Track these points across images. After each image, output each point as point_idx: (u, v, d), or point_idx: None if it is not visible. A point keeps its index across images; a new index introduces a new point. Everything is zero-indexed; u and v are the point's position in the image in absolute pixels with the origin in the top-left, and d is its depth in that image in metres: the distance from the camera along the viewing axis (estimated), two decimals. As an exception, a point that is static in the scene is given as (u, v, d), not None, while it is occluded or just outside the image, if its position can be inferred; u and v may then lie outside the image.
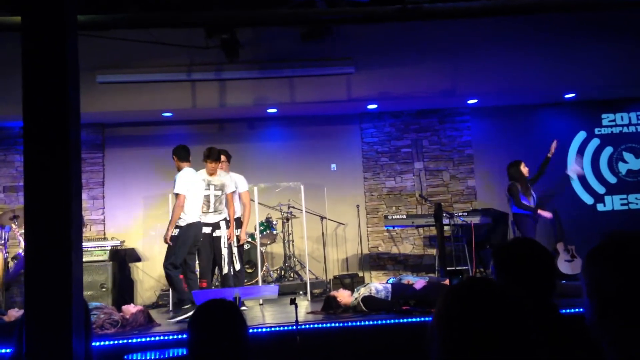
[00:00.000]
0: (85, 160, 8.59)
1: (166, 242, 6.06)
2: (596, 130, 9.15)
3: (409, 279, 6.10)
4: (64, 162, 1.63)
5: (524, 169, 7.29)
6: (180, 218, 6.05)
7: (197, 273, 6.41)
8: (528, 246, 2.03)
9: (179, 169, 6.25)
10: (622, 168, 9.07)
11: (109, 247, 7.52)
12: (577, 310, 4.54)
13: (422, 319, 4.81)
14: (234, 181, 6.83)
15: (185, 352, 3.72)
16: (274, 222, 8.16)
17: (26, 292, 1.57)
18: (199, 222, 6.22)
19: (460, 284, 1.16)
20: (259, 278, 7.23)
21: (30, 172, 1.63)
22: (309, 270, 7.53)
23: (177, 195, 6.05)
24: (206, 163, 6.45)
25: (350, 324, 4.90)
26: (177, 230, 6.04)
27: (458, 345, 1.07)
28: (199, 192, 6.32)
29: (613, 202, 9.01)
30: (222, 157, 6.72)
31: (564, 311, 3.81)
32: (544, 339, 1.74)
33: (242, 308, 6.10)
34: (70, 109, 1.67)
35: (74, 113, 1.70)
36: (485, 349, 1.04)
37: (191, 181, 6.19)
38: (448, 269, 7.00)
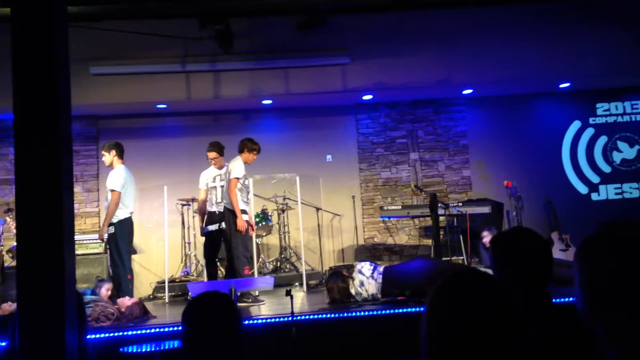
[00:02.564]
0: (79, 152, 8.55)
1: (101, 240, 6.18)
2: (591, 120, 9.17)
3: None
4: (55, 154, 1.62)
5: None
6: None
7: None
8: (527, 235, 2.02)
9: (111, 165, 6.32)
10: (617, 157, 9.10)
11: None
12: (569, 299, 4.56)
13: (418, 309, 4.82)
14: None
15: (180, 345, 3.73)
16: (270, 214, 8.16)
17: (18, 286, 1.57)
18: (131, 217, 6.33)
19: (451, 276, 1.16)
20: (255, 270, 7.23)
21: (21, 165, 1.62)
22: (305, 262, 7.54)
23: (112, 191, 6.10)
24: (250, 154, 6.57)
25: (345, 314, 4.91)
26: (111, 228, 6.11)
27: (447, 338, 1.07)
28: (134, 189, 6.45)
29: (607, 192, 9.04)
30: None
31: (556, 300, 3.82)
32: (537, 328, 1.75)
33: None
34: (61, 101, 1.66)
35: (65, 105, 1.69)
36: (475, 340, 1.04)
37: (129, 179, 6.27)
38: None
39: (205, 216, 6.87)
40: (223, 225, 6.57)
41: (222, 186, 6.71)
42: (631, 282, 1.01)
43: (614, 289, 1.03)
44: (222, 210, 6.63)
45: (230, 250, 6.41)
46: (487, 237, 6.99)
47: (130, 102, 8.12)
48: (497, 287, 1.11)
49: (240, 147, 6.67)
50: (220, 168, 6.87)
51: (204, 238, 6.89)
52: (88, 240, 7.43)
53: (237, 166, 6.47)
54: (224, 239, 6.64)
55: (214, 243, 6.76)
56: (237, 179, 6.38)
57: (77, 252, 7.29)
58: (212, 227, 6.71)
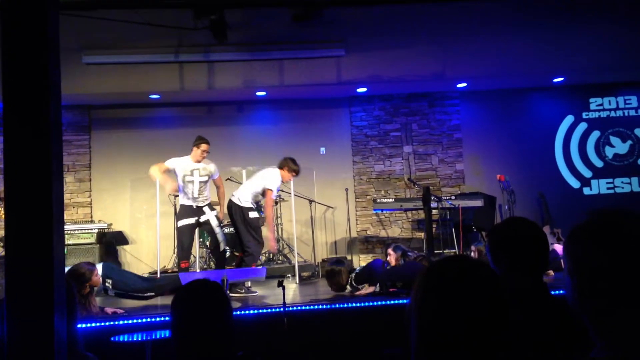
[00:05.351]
0: (72, 142, 8.51)
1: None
2: (584, 115, 9.20)
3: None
4: (45, 142, 1.61)
5: None
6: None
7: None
8: (524, 225, 1.99)
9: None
10: (609, 152, 9.14)
11: (96, 230, 7.49)
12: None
13: (409, 300, 4.83)
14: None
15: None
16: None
17: (7, 274, 1.56)
18: None
19: (436, 262, 1.16)
20: (248, 261, 7.23)
21: (10, 153, 1.61)
22: (298, 254, 7.54)
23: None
24: (288, 174, 6.62)
25: (337, 305, 4.93)
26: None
27: (434, 324, 1.07)
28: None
29: (599, 186, 9.09)
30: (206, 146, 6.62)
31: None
32: (534, 318, 1.75)
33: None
34: (51, 88, 1.64)
35: (55, 92, 1.67)
36: (461, 326, 1.05)
37: None
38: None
39: (179, 209, 6.63)
40: (202, 218, 6.47)
41: (200, 181, 6.48)
42: (619, 270, 1.01)
43: (601, 277, 1.03)
44: (200, 205, 6.48)
45: (217, 242, 6.39)
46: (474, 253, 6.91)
47: (123, 92, 8.07)
48: (485, 271, 1.11)
49: (281, 164, 6.61)
50: (198, 162, 6.56)
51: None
52: (79, 230, 7.41)
53: (275, 178, 6.44)
54: (209, 233, 6.57)
55: (188, 237, 6.51)
56: (271, 191, 6.38)
57: (69, 242, 7.27)
58: (187, 222, 6.47)
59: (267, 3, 6.58)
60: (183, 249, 6.50)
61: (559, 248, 7.67)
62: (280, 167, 6.57)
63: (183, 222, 6.46)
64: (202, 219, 6.47)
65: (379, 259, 6.23)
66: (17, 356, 1.53)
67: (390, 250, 6.25)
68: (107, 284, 5.31)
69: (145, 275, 7.91)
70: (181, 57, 7.47)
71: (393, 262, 6.07)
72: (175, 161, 6.59)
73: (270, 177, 6.41)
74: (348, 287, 5.67)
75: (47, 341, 1.55)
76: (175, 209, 8.11)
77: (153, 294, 5.67)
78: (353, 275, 5.68)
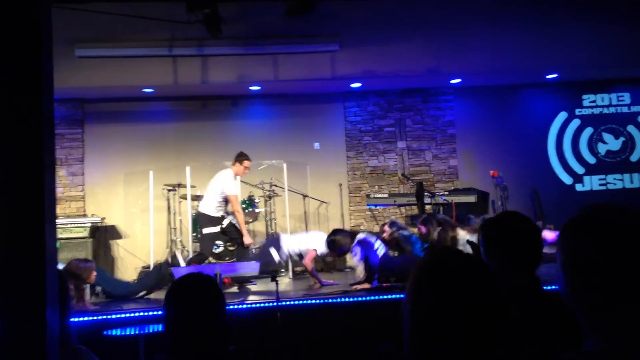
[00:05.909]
0: (65, 136, 8.45)
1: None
2: (577, 111, 9.24)
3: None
4: (37, 135, 1.59)
5: None
6: None
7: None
8: (516, 219, 1.98)
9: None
10: (602, 149, 9.18)
11: (89, 224, 7.45)
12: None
13: (403, 295, 4.85)
14: None
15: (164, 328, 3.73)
16: (256, 200, 8.12)
17: (-1, 267, 1.55)
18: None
19: (430, 256, 1.16)
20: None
21: (1, 146, 1.59)
22: (291, 248, 7.54)
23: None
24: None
25: (331, 300, 4.94)
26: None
27: (429, 318, 1.07)
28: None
29: (592, 182, 9.13)
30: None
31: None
32: (528, 313, 1.76)
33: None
34: (43, 80, 1.63)
35: (47, 84, 1.66)
36: (457, 320, 1.05)
37: None
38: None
39: (204, 217, 6.71)
40: (224, 223, 6.64)
41: None
42: (612, 264, 1.02)
43: (594, 271, 1.04)
44: (223, 214, 6.65)
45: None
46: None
47: (116, 85, 8.01)
48: (479, 264, 1.11)
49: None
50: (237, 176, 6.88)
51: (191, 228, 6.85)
52: (72, 224, 7.38)
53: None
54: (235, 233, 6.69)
55: (211, 244, 6.66)
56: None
57: (62, 235, 7.23)
58: (213, 230, 6.59)
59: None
60: (204, 255, 6.61)
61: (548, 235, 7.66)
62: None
63: (209, 230, 6.56)
64: (225, 223, 6.56)
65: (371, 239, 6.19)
66: (9, 349, 1.53)
67: (386, 227, 6.33)
68: (96, 289, 5.43)
69: (139, 269, 7.91)
70: (175, 50, 7.44)
71: (387, 237, 6.13)
72: (234, 184, 6.76)
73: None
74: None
75: (39, 335, 1.55)
76: (168, 203, 8.08)
77: (144, 293, 5.78)
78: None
